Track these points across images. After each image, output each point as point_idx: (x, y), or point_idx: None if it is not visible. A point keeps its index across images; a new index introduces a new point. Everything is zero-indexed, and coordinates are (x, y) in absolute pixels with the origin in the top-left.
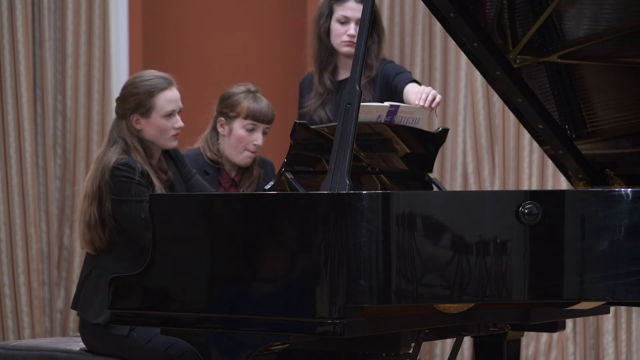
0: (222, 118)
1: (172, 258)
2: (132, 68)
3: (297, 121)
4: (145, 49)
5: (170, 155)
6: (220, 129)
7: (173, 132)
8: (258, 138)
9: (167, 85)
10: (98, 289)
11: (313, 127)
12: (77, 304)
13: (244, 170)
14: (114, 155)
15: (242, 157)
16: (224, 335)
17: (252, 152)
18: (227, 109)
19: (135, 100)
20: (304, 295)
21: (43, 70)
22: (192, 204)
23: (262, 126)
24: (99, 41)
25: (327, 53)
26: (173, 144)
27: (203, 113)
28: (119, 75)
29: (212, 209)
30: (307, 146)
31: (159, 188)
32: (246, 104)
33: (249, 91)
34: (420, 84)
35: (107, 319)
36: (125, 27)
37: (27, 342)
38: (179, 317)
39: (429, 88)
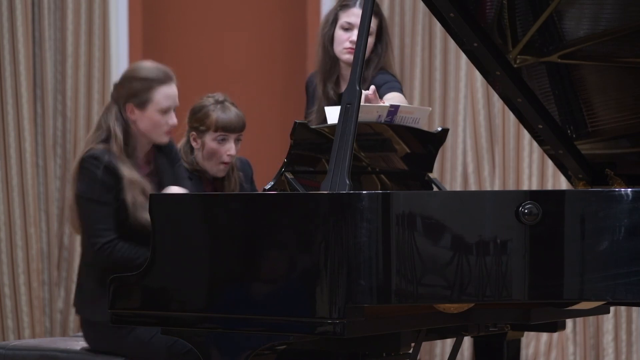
0: (193, 132)
1: (172, 258)
2: None
3: (297, 121)
4: (145, 49)
5: (162, 151)
6: (193, 143)
7: (166, 128)
8: (230, 148)
9: (168, 80)
10: (87, 285)
11: (313, 127)
12: (75, 302)
13: (223, 177)
14: (90, 144)
15: (217, 170)
16: (224, 335)
17: (227, 162)
18: (197, 122)
19: (134, 89)
20: (304, 295)
21: (43, 70)
22: (192, 203)
23: (233, 136)
24: (99, 41)
25: (330, 62)
26: (164, 139)
27: None
28: (119, 76)
29: (212, 209)
30: (307, 146)
31: (132, 179)
32: (215, 115)
33: (217, 102)
34: (403, 94)
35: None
36: (125, 27)
37: (27, 342)
38: (179, 317)
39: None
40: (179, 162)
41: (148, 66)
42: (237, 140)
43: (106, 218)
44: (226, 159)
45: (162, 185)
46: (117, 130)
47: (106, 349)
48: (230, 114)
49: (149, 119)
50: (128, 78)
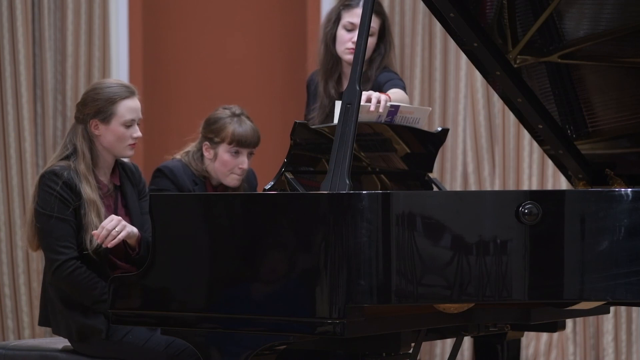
0: (207, 142)
1: (172, 258)
2: (132, 68)
3: (297, 121)
4: (145, 49)
5: (127, 176)
6: (205, 153)
7: (130, 142)
8: (243, 162)
9: (129, 94)
10: (52, 304)
11: (313, 127)
12: (47, 321)
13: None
14: (52, 161)
15: (230, 180)
16: (224, 335)
17: (239, 175)
18: (212, 134)
19: (96, 106)
20: (304, 295)
21: (43, 70)
22: (192, 203)
23: (246, 150)
24: (99, 41)
25: (332, 60)
26: (129, 153)
27: (202, 114)
28: (119, 76)
29: (212, 209)
30: (307, 146)
31: (92, 199)
32: (231, 129)
33: (233, 115)
34: (406, 92)
35: (80, 331)
36: (125, 27)
37: (27, 342)
38: (179, 317)
39: (377, 94)
40: (145, 198)
41: (110, 82)
42: (249, 154)
43: (66, 235)
44: (238, 171)
45: (127, 207)
46: (85, 149)
47: (102, 355)
48: (246, 127)
49: (112, 133)
50: (91, 95)
